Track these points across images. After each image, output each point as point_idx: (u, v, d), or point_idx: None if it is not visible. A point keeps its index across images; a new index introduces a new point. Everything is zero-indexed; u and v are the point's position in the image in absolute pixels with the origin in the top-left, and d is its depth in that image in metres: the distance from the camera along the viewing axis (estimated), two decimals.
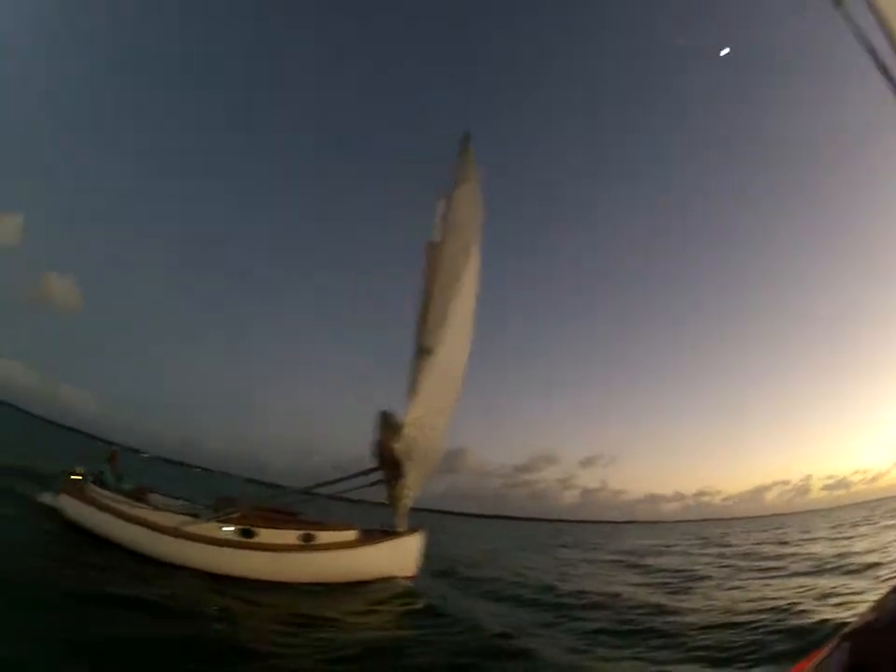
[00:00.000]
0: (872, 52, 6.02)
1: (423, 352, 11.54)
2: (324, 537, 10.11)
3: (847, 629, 2.29)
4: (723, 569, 15.06)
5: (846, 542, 19.75)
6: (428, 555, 11.66)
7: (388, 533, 11.04)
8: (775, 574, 12.99)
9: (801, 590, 10.15)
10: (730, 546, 25.22)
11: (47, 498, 11.42)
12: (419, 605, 8.88)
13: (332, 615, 7.84)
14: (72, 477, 11.30)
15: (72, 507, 10.47)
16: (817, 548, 18.81)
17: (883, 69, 5.90)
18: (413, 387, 11.35)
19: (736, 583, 11.99)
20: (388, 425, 10.83)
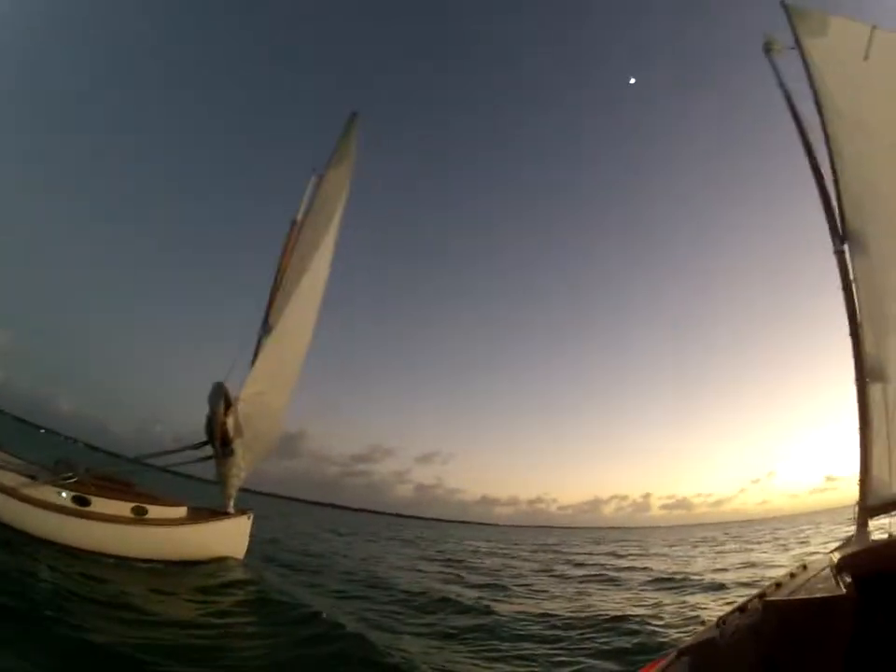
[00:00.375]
0: (789, 100, 6.39)
1: (268, 328, 11.36)
2: (154, 511, 9.62)
3: (685, 643, 2.25)
4: (549, 577, 15.45)
5: (684, 560, 20.89)
6: (256, 538, 11.28)
7: (217, 513, 10.64)
8: (606, 586, 13.37)
9: (630, 602, 10.38)
10: (560, 553, 26.29)
11: None
12: (242, 592, 8.56)
13: (153, 596, 7.42)
14: None
15: None
16: (651, 563, 19.59)
17: (797, 120, 6.26)
18: (252, 363, 11.08)
19: (558, 592, 12.14)
20: (221, 397, 10.35)
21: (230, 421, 10.30)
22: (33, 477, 9.21)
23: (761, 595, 3.02)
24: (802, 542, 23.98)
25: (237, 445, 10.53)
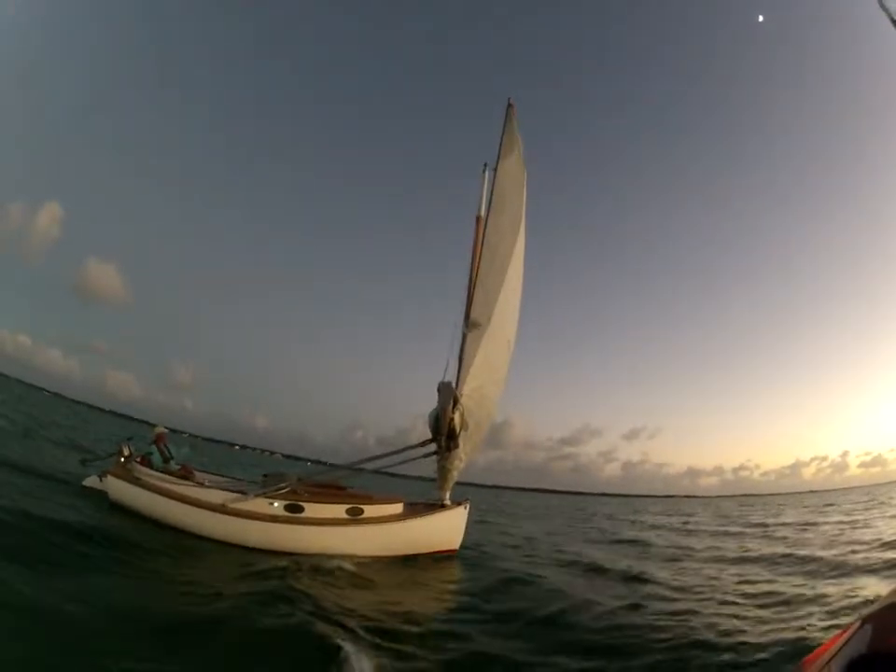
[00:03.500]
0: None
1: (473, 325, 11.41)
2: (370, 510, 9.96)
3: (867, 611, 2.13)
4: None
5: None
6: (473, 526, 11.59)
7: (434, 506, 10.92)
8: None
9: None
10: (766, 526, 23.89)
11: (93, 481, 11.44)
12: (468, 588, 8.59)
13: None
14: (120, 459, 11.24)
15: (118, 488, 10.43)
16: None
17: None
18: (465, 360, 11.26)
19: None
20: (451, 396, 10.65)
21: (456, 416, 10.66)
22: (241, 492, 9.70)
23: None
24: None
25: (462, 438, 10.85)
